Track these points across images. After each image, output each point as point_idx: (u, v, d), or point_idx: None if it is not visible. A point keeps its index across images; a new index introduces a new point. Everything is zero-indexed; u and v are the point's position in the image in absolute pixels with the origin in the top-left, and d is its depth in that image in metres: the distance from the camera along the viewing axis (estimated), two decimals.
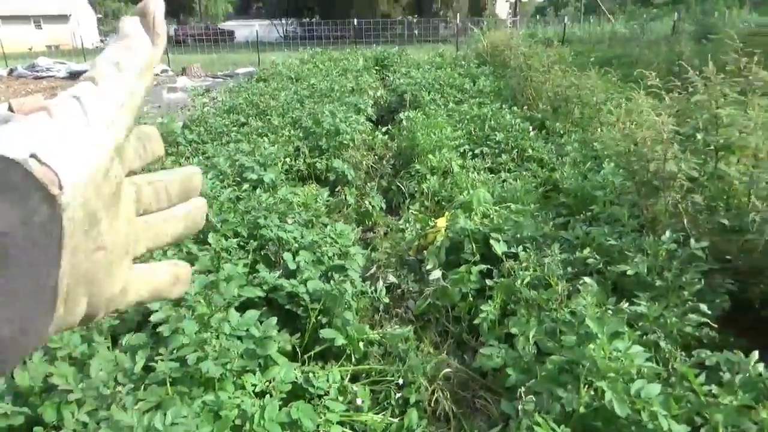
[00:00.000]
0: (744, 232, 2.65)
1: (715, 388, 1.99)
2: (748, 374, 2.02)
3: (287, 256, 3.06)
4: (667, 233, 2.70)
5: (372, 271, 3.50)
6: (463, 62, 10.23)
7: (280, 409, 2.05)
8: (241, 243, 3.27)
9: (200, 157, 4.76)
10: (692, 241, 2.66)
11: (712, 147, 3.00)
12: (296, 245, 3.19)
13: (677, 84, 3.42)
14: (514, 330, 2.61)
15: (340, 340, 2.67)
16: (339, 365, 2.71)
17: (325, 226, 3.49)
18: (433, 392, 2.56)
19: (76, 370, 2.10)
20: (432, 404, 2.54)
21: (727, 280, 2.69)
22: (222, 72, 17.30)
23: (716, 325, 2.58)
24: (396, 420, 2.46)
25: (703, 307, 2.32)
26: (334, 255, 3.13)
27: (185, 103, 7.94)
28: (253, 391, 2.20)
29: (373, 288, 3.15)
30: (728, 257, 2.89)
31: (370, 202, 4.60)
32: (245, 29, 35.48)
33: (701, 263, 2.63)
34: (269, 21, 43.69)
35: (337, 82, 8.10)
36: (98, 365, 2.04)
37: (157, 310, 2.24)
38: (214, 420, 1.86)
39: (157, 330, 2.18)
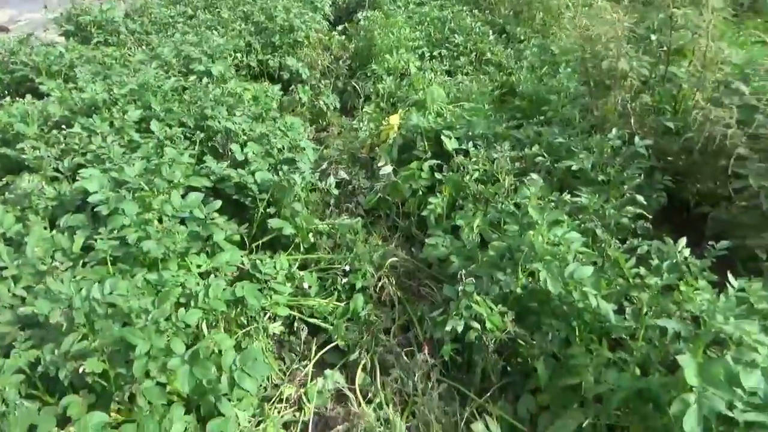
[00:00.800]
0: (686, 133, 2.71)
1: (642, 271, 2.10)
2: (675, 260, 2.13)
3: (235, 147, 2.98)
4: (614, 131, 2.74)
5: (324, 167, 3.47)
6: None
7: (225, 289, 2.07)
8: (187, 134, 3.16)
9: (144, 48, 4.48)
10: (637, 139, 2.71)
11: (664, 48, 2.99)
12: (245, 137, 3.10)
13: None
14: (460, 222, 2.67)
15: (289, 230, 2.67)
16: (287, 254, 2.74)
17: (275, 120, 3.39)
18: (379, 279, 2.62)
19: (12, 249, 2.04)
20: (378, 291, 2.61)
21: (666, 177, 2.78)
22: None
23: (652, 219, 2.71)
24: (342, 304, 2.54)
25: (640, 198, 2.41)
26: (284, 148, 3.07)
27: None
28: (199, 273, 2.20)
29: (324, 183, 3.14)
30: (669, 157, 2.98)
31: (324, 102, 4.49)
32: None
33: (643, 161, 2.71)
34: None
35: None
36: (34, 244, 1.98)
37: (95, 192, 2.17)
38: (156, 295, 1.86)
39: (95, 211, 2.12)
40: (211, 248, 2.43)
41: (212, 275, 2.14)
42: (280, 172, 2.78)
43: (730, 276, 1.84)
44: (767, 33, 5.22)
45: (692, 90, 2.75)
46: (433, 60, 4.99)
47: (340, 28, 6.20)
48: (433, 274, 2.77)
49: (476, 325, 2.10)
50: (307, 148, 3.10)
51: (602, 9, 3.23)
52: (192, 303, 1.99)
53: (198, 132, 3.08)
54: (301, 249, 2.80)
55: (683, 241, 2.13)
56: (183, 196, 2.43)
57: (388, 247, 2.89)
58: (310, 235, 2.80)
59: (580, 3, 4.65)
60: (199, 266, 2.18)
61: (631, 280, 2.14)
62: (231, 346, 1.95)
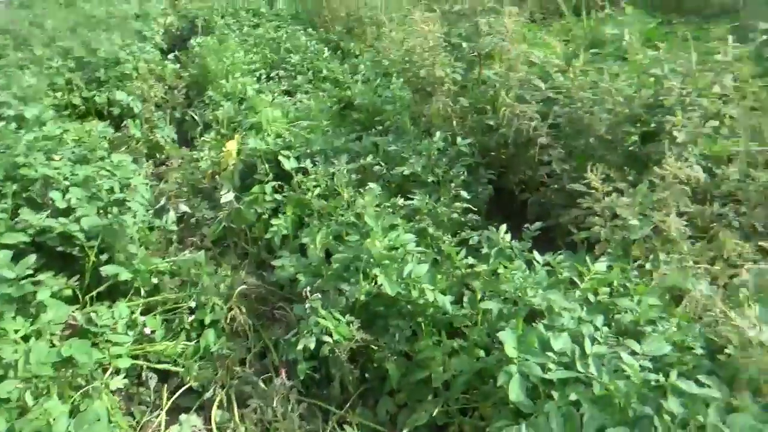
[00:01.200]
0: (500, 129, 2.97)
1: (471, 261, 2.26)
2: (499, 246, 2.32)
3: (56, 194, 2.76)
4: (438, 134, 2.93)
5: (162, 203, 3.31)
6: None
7: (49, 351, 1.90)
8: None
9: None
10: (459, 139, 2.93)
11: (475, 54, 3.26)
12: (66, 183, 2.87)
13: None
14: (305, 239, 2.69)
15: (125, 275, 2.52)
16: (128, 300, 2.58)
17: (103, 160, 3.19)
18: (230, 310, 2.56)
19: None
20: (229, 322, 2.55)
21: (490, 171, 3.03)
22: None
23: (481, 212, 2.93)
24: (193, 343, 2.44)
25: (464, 193, 2.60)
26: (112, 189, 2.89)
27: None
28: (19, 338, 2.00)
29: (163, 219, 3.01)
30: (492, 152, 3.24)
31: (160, 135, 4.30)
32: None
33: (467, 158, 2.92)
34: None
35: (117, 7, 7.23)
36: None
37: None
38: None
39: None
40: (36, 309, 2.22)
41: (33, 339, 1.96)
42: (110, 215, 2.62)
43: (535, 254, 2.04)
44: (568, 34, 5.89)
45: (501, 89, 3.02)
46: (271, 81, 4.99)
47: (172, 56, 5.99)
48: (286, 295, 2.76)
49: (328, 339, 2.12)
50: (139, 186, 2.95)
51: (417, 22, 3.45)
52: (11, 373, 1.81)
53: (9, 183, 2.80)
54: (143, 293, 2.65)
55: (503, 227, 2.33)
56: None
57: (237, 275, 2.83)
58: (151, 277, 2.66)
59: (402, 16, 4.91)
60: (17, 331, 1.98)
61: (463, 270, 2.29)
62: (65, 412, 1.80)
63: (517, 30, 3.33)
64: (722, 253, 2.27)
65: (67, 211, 2.71)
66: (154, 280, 2.67)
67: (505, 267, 1.99)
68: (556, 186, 2.78)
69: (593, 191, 2.25)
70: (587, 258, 2.02)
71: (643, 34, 3.60)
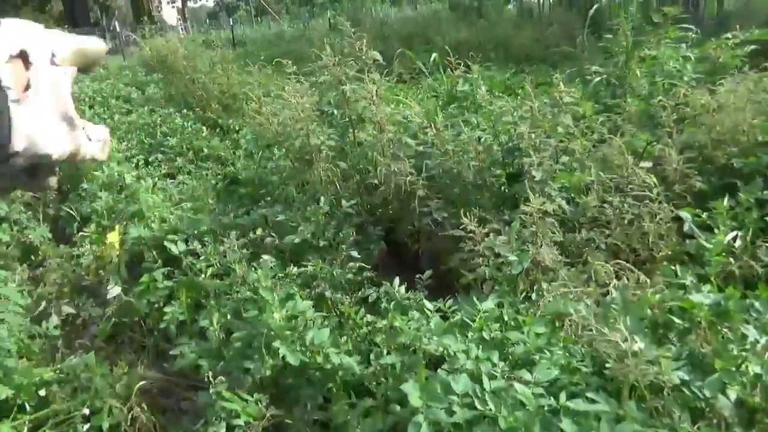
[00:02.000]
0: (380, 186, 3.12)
1: (371, 318, 2.33)
2: (396, 300, 2.41)
3: None
4: (322, 199, 3.03)
5: (42, 307, 3.09)
6: (128, 72, 9.61)
7: None
8: None
9: None
10: (343, 201, 3.04)
11: (347, 119, 3.44)
12: None
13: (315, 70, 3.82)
14: (203, 323, 2.62)
15: (4, 392, 2.31)
16: (12, 420, 2.35)
17: None
18: (130, 410, 2.41)
19: None
20: (131, 423, 2.39)
21: (378, 228, 3.15)
22: None
23: (378, 267, 3.03)
24: None
25: (354, 253, 2.68)
26: None
27: None
28: None
29: (44, 325, 2.81)
30: (379, 210, 3.39)
31: (33, 235, 4.03)
32: None
33: (353, 219, 3.03)
34: None
35: None
36: None
37: None
38: None
39: None
40: None
41: None
42: None
43: (425, 302, 2.15)
44: (436, 91, 6.32)
45: (374, 150, 3.19)
46: (150, 166, 4.89)
47: None
48: (191, 384, 2.65)
49: (238, 421, 2.07)
50: (11, 295, 2.74)
51: (288, 94, 3.59)
52: None
53: None
54: (28, 409, 2.43)
55: (397, 280, 2.44)
56: None
57: (135, 372, 2.68)
58: (37, 390, 2.45)
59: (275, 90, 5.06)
60: None
61: (365, 328, 2.35)
62: None
63: (382, 94, 3.57)
64: (592, 275, 2.51)
65: None
66: (42, 393, 2.46)
67: (401, 320, 2.07)
68: (441, 233, 2.95)
69: (472, 234, 2.42)
70: (475, 298, 2.15)
71: (495, 86, 3.99)
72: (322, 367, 2.18)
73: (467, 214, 2.39)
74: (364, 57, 3.48)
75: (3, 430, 2.19)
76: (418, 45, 11.09)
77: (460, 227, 2.39)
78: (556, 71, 6.79)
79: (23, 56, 0.39)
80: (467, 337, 1.98)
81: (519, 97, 5.13)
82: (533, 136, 2.69)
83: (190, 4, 45.30)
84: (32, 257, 4.02)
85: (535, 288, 2.50)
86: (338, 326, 2.43)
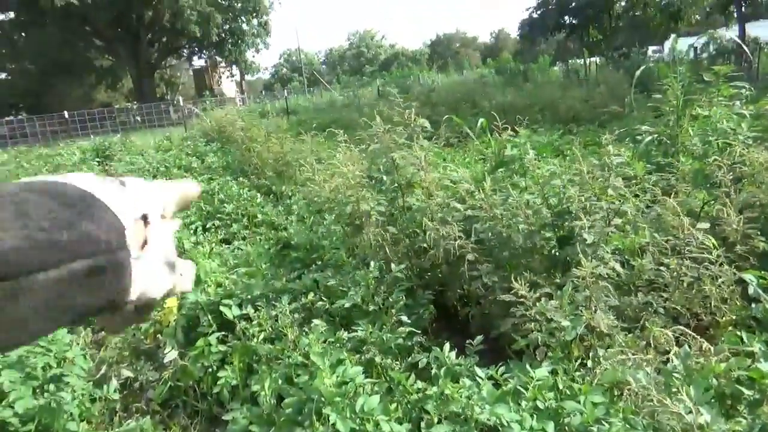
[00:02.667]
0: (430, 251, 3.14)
1: (421, 384, 2.30)
2: (447, 366, 2.38)
3: None
4: (372, 263, 3.06)
5: (103, 371, 3.20)
6: (189, 143, 10.20)
7: None
8: None
9: None
10: (393, 266, 3.07)
11: (396, 185, 3.52)
12: None
13: (365, 138, 3.96)
14: (255, 387, 2.65)
15: None
16: None
17: None
18: None
19: None
20: None
21: (427, 292, 3.15)
22: None
23: (428, 332, 3.01)
24: None
25: (404, 317, 2.68)
26: (47, 365, 2.79)
27: None
28: None
29: (104, 389, 2.90)
30: (428, 274, 3.40)
31: None
32: None
33: (403, 283, 3.05)
34: None
35: None
36: None
37: None
38: None
39: None
40: None
41: None
42: (46, 394, 2.51)
43: (476, 369, 2.11)
44: (483, 154, 6.38)
45: (423, 215, 3.23)
46: (207, 232, 5.10)
47: None
48: None
49: None
50: (76, 358, 2.86)
51: (338, 161, 3.72)
52: None
53: None
54: None
55: (447, 346, 2.41)
56: None
57: None
58: None
59: (327, 157, 5.25)
60: None
61: (415, 395, 2.32)
62: None
63: (430, 159, 3.65)
64: (651, 341, 2.41)
65: (1, 397, 2.58)
66: None
67: (452, 387, 2.04)
68: (491, 297, 2.92)
69: (523, 299, 2.39)
70: (528, 365, 2.10)
71: (543, 149, 4.01)
72: None
73: (518, 278, 2.36)
74: (412, 124, 3.59)
75: None
76: (465, 110, 11.32)
77: (511, 291, 2.36)
78: (604, 131, 6.80)
79: (144, 218, 0.48)
80: (521, 406, 1.93)
81: (567, 159, 5.14)
82: (583, 198, 2.67)
83: (248, 77, 48.11)
84: (94, 321, 4.19)
85: (590, 355, 2.42)
86: (388, 392, 2.40)
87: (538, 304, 2.41)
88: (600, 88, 11.98)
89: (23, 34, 32.71)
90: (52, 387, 2.61)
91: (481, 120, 5.19)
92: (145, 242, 0.47)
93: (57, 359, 2.88)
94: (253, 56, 41.45)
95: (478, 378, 2.06)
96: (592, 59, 23.88)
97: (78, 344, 3.33)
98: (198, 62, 41.64)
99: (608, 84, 12.54)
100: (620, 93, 11.11)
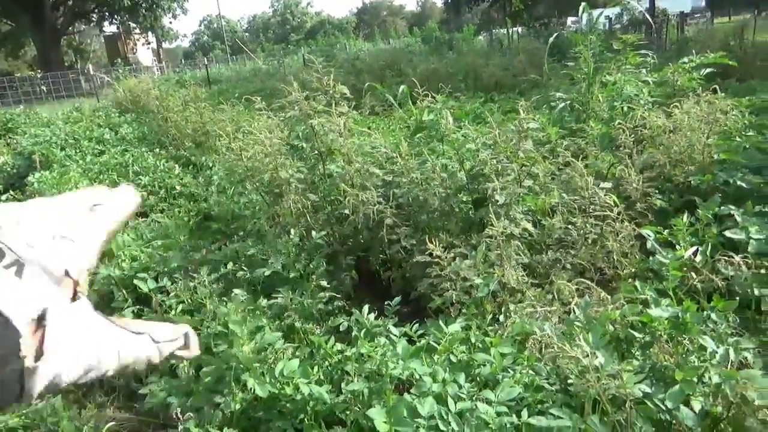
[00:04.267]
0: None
1: (341, 346, 2.33)
2: (366, 327, 2.42)
3: None
4: (292, 231, 3.05)
5: None
6: (101, 113, 9.63)
7: None
8: None
9: None
10: (313, 232, 3.06)
11: (316, 152, 3.49)
12: None
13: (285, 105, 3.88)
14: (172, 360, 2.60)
15: None
16: None
17: None
18: None
19: None
20: None
21: (349, 258, 3.17)
22: None
23: (351, 296, 3.05)
24: None
25: (324, 282, 2.70)
26: None
27: None
28: None
29: None
30: (350, 239, 3.42)
31: None
32: None
33: (323, 249, 3.05)
34: None
35: None
36: None
37: None
38: None
39: None
40: None
41: None
42: None
43: (391, 327, 2.17)
44: (406, 122, 6.43)
45: (343, 181, 3.24)
46: None
47: (5, 197, 5.65)
48: (161, 423, 2.61)
49: None
50: None
51: (254, 131, 3.64)
52: None
53: None
54: None
55: (366, 308, 2.46)
56: None
57: (104, 413, 2.63)
58: None
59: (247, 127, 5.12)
60: None
61: (335, 357, 2.35)
62: None
63: (352, 127, 3.64)
64: (556, 294, 2.55)
65: None
66: None
67: (369, 346, 2.08)
68: (411, 260, 2.98)
69: (438, 259, 2.46)
70: (443, 323, 2.18)
71: (463, 115, 4.09)
72: (292, 398, 2.17)
73: (433, 240, 2.42)
74: (331, 91, 3.55)
75: None
76: (391, 78, 11.31)
77: (427, 253, 2.42)
78: (523, 99, 7.03)
79: (39, 320, 0.45)
80: (434, 360, 2.00)
81: (488, 126, 5.26)
82: (495, 161, 2.76)
83: (165, 45, 45.73)
84: None
85: (502, 310, 2.54)
86: (310, 356, 2.43)
87: (452, 263, 2.49)
88: (520, 57, 12.28)
89: None
90: None
91: (402, 87, 5.21)
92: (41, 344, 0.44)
93: None
94: (170, 22, 39.23)
95: (393, 336, 2.11)
96: (515, 29, 24.40)
97: None
98: (110, 28, 39.04)
99: (528, 53, 12.87)
100: (539, 62, 11.43)
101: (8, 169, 6.92)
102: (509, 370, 1.92)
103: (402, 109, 6.60)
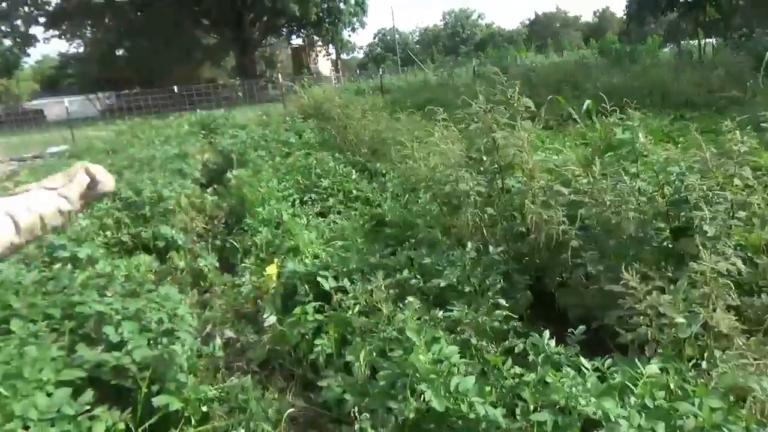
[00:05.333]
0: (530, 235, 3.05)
1: (519, 370, 2.25)
2: (545, 353, 2.31)
3: (108, 329, 2.87)
4: (469, 244, 3.02)
5: (208, 330, 3.40)
6: (288, 119, 10.53)
7: None
8: (55, 325, 3.00)
9: None
10: (491, 248, 3.00)
11: (496, 166, 3.43)
12: (118, 317, 3.00)
13: (464, 116, 3.89)
14: (349, 357, 2.71)
15: (176, 405, 2.55)
16: (179, 431, 2.58)
17: (150, 292, 3.33)
18: None
19: None
20: None
21: (525, 276, 3.06)
22: (30, 154, 15.76)
23: (523, 317, 2.94)
24: None
25: (502, 301, 2.62)
26: (161, 320, 3.00)
27: None
28: None
29: (209, 346, 3.08)
30: (526, 258, 3.30)
31: (203, 264, 4.49)
32: (56, 107, 32.90)
33: (500, 266, 2.98)
34: (83, 96, 40.94)
35: (159, 149, 7.86)
36: None
37: None
38: None
39: None
40: None
41: None
42: (159, 346, 2.70)
43: (582, 359, 2.02)
44: (584, 138, 6.13)
45: (524, 197, 3.13)
46: (304, 205, 5.25)
47: (211, 189, 6.38)
48: (334, 416, 2.73)
49: None
50: (185, 316, 3.05)
51: (436, 142, 3.68)
52: None
53: (66, 322, 2.94)
54: (193, 422, 2.65)
55: (546, 333, 2.34)
56: (52, 394, 2.27)
57: (284, 399, 2.83)
58: (201, 405, 2.68)
59: (423, 136, 5.21)
60: None
61: (511, 380, 2.27)
62: None
63: (532, 141, 3.52)
64: None
65: (120, 345, 2.81)
66: (204, 409, 2.68)
67: (554, 375, 1.97)
68: (594, 287, 2.79)
69: (632, 291, 2.26)
70: (638, 361, 1.99)
71: (653, 134, 3.75)
72: (465, 415, 2.14)
73: (628, 268, 2.23)
74: (515, 104, 3.48)
75: None
76: (566, 92, 10.82)
77: (620, 282, 2.24)
78: (722, 118, 6.28)
79: None
80: (628, 402, 1.83)
81: (680, 146, 4.78)
82: (705, 187, 2.47)
83: (343, 56, 48.84)
84: (201, 283, 4.47)
85: (705, 355, 2.25)
86: (482, 375, 2.37)
87: (649, 297, 2.27)
88: (717, 71, 11.03)
89: (139, 13, 35.04)
90: (164, 340, 2.80)
91: (587, 101, 4.93)
92: None
93: (169, 315, 3.09)
94: (349, 35, 41.90)
95: (583, 369, 1.98)
96: (708, 40, 22.01)
97: (186, 303, 3.56)
98: (296, 41, 42.81)
99: (727, 67, 11.52)
100: (742, 77, 10.18)
101: (211, 165, 7.85)
102: (722, 428, 1.68)
103: (581, 124, 6.27)
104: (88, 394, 2.24)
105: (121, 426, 2.48)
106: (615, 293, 2.45)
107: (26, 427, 2.06)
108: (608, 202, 2.74)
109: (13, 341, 2.72)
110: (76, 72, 42.30)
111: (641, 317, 2.28)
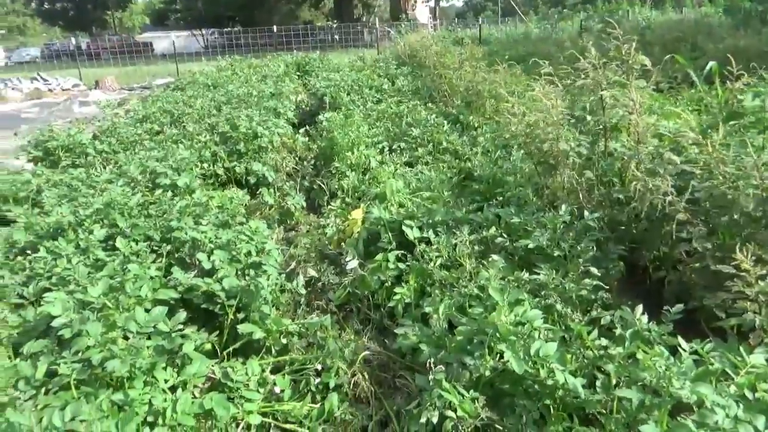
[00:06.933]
0: (630, 202, 2.86)
1: (605, 342, 2.14)
2: (635, 329, 2.18)
3: (201, 256, 3.03)
4: (563, 207, 2.88)
5: (292, 266, 3.51)
6: (382, 64, 10.41)
7: (193, 402, 2.04)
8: (154, 247, 3.20)
9: (111, 167, 4.61)
10: (586, 213, 2.85)
11: (600, 127, 3.21)
12: (211, 245, 3.16)
13: (570, 72, 3.64)
14: (427, 309, 2.71)
15: (259, 334, 2.67)
16: (259, 358, 2.71)
17: (242, 225, 3.47)
18: (353, 375, 2.60)
19: None
20: (353, 387, 2.59)
21: (619, 246, 2.89)
22: (138, 84, 16.72)
23: (612, 289, 2.79)
24: (317, 406, 2.50)
25: (594, 269, 2.50)
26: (249, 252, 3.12)
27: (97, 116, 7.65)
28: (167, 388, 2.17)
29: (293, 282, 3.18)
30: (622, 227, 3.11)
31: (291, 202, 4.61)
32: (164, 41, 34.52)
33: (594, 233, 2.83)
34: (189, 32, 42.60)
35: (256, 87, 8.05)
36: None
37: (59, 315, 2.17)
38: (120, 416, 1.83)
39: (60, 335, 2.11)
40: (181, 360, 2.41)
41: (179, 389, 2.12)
42: (247, 277, 2.81)
43: (680, 340, 1.89)
44: (699, 104, 5.64)
45: (629, 162, 2.92)
46: (393, 153, 5.22)
47: (303, 130, 6.48)
48: (408, 364, 2.76)
49: (451, 413, 2.08)
50: (272, 251, 3.16)
51: (539, 97, 3.49)
52: (160, 420, 1.96)
53: (165, 245, 3.13)
54: (273, 352, 2.78)
55: (639, 308, 2.20)
56: (150, 311, 2.44)
57: (360, 341, 2.89)
58: (281, 337, 2.79)
59: (522, 91, 4.97)
60: (166, 381, 2.16)
61: (595, 352, 2.18)
62: None
63: (644, 103, 3.25)
64: None
65: (211, 272, 2.97)
66: (284, 341, 2.80)
67: (645, 352, 1.86)
68: (697, 265, 2.59)
69: (744, 274, 2.07)
70: (741, 348, 1.84)
71: None
72: (542, 381, 2.08)
73: (742, 248, 2.04)
74: (630, 62, 3.20)
75: (253, 365, 2.53)
76: (684, 52, 9.91)
77: (732, 263, 2.05)
78: None
79: None
80: (727, 391, 1.70)
81: None
82: None
83: (441, 4, 47.38)
84: (288, 221, 4.61)
85: None
86: (564, 343, 2.29)
87: (762, 282, 2.07)
88: None
89: None
90: (252, 272, 2.92)
91: (711, 63, 4.48)
92: None
93: (257, 249, 3.21)
94: None
95: (681, 349, 1.85)
96: None
97: (273, 239, 3.68)
98: None
99: None
100: None
101: (304, 106, 7.96)
102: None
103: (701, 87, 5.73)
104: (182, 315, 2.38)
105: (208, 347, 2.65)
106: (721, 274, 2.26)
107: (125, 338, 2.23)
108: (727, 175, 2.49)
109: (118, 257, 2.94)
110: (183, 8, 43.96)
111: (749, 302, 2.10)
